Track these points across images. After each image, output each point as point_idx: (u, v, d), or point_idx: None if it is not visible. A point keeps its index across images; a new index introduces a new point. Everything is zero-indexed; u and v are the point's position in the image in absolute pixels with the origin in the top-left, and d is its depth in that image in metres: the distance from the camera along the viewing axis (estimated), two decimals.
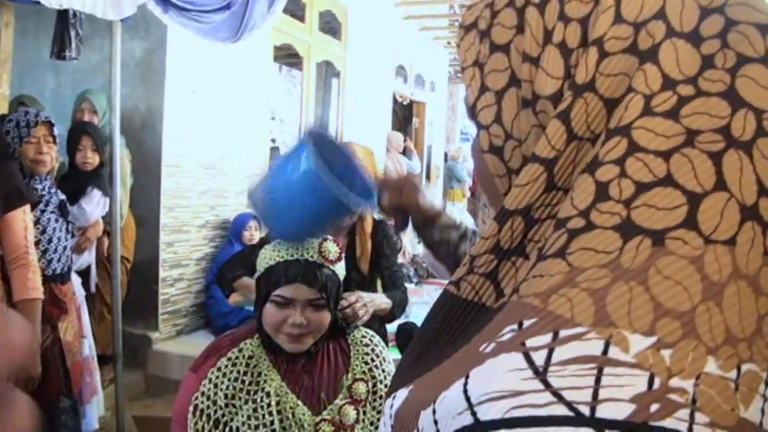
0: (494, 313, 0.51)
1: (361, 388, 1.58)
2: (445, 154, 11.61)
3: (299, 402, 1.48)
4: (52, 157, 2.86)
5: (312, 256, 1.50)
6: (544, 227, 0.52)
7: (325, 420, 1.48)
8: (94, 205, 3.66)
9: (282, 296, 1.48)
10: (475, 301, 0.56)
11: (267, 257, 1.53)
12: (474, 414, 0.45)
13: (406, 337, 4.12)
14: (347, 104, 7.36)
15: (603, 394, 0.41)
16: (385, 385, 1.62)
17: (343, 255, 1.60)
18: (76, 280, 3.23)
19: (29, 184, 2.75)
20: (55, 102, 4.65)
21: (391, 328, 4.76)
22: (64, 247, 2.93)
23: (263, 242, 2.46)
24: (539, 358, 0.44)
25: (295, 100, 9.57)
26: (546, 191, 0.52)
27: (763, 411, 0.43)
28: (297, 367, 1.55)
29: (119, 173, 3.61)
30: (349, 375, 1.60)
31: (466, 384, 0.46)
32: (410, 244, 7.53)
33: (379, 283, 2.54)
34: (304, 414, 1.46)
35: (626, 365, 0.42)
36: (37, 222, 2.77)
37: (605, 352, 0.43)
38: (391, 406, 0.54)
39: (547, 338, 0.45)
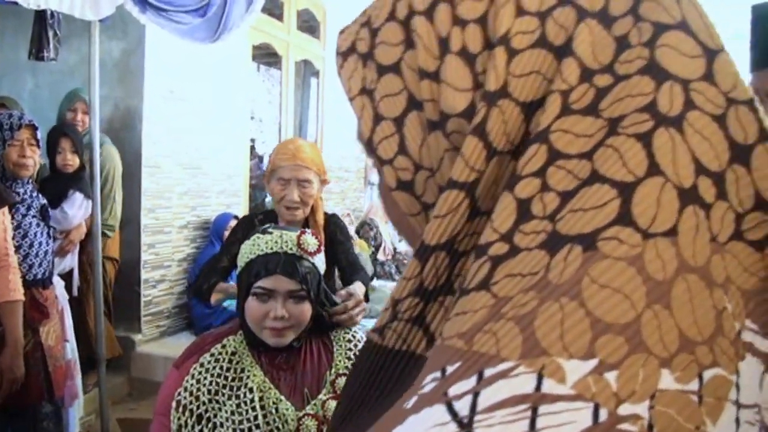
0: (425, 362, 0.44)
1: (344, 383, 1.59)
2: None
3: (282, 397, 1.49)
4: (35, 160, 2.85)
5: (291, 249, 1.52)
6: (471, 259, 0.45)
7: (308, 415, 1.49)
8: (76, 208, 3.64)
9: (263, 288, 1.49)
10: (402, 350, 0.49)
11: (247, 252, 1.55)
12: None
13: None
14: (326, 103, 7.37)
15: None
16: None
17: (323, 248, 1.61)
18: (58, 284, 3.21)
19: (11, 188, 2.74)
20: (34, 103, 4.63)
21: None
22: (46, 252, 2.92)
23: (230, 244, 2.48)
24: (463, 407, 0.37)
25: (274, 99, 9.54)
26: (469, 219, 0.46)
27: (738, 421, 0.37)
28: (280, 363, 1.56)
29: (99, 174, 3.59)
30: (332, 370, 1.61)
31: None
32: (390, 240, 7.55)
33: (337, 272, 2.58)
34: (287, 409, 1.48)
35: (564, 399, 0.36)
36: (18, 226, 2.75)
37: (538, 387, 0.36)
38: None
39: (471, 382, 0.38)
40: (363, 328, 2.14)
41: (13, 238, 2.62)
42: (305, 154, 2.39)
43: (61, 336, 3.04)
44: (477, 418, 0.36)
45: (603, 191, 0.40)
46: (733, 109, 0.42)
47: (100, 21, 3.37)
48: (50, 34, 3.85)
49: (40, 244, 2.87)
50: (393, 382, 0.49)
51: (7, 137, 2.74)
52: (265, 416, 1.46)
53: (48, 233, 2.96)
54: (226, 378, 1.50)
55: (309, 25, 7.15)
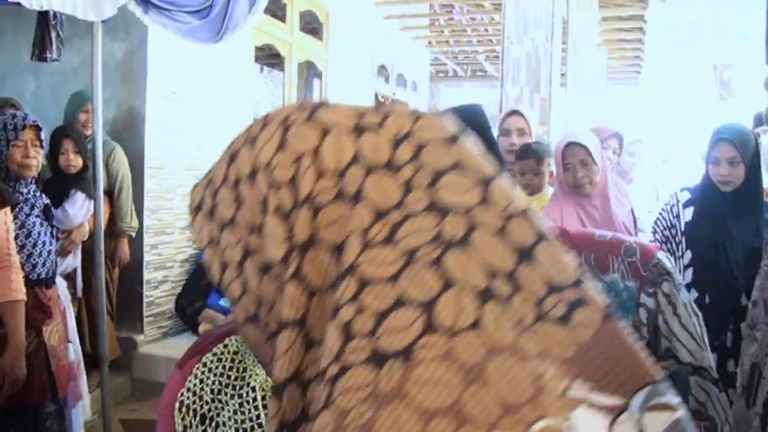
0: None
1: None
2: None
3: None
4: (39, 161, 2.85)
5: None
6: (317, 384, 0.53)
7: None
8: (77, 208, 3.64)
9: None
10: None
11: None
12: None
13: None
14: None
15: None
16: None
17: None
18: (61, 284, 3.22)
19: (14, 188, 2.74)
20: (36, 104, 4.63)
21: None
22: (49, 251, 2.92)
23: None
24: None
25: (277, 101, 9.54)
26: (307, 350, 0.54)
27: None
28: None
29: (101, 175, 3.59)
30: None
31: None
32: None
33: None
34: None
35: None
36: (22, 226, 2.75)
37: None
38: None
39: None
40: None
41: (16, 238, 2.62)
42: None
43: (64, 336, 3.04)
44: None
45: (410, 311, 0.49)
46: (512, 221, 0.53)
47: (103, 22, 3.37)
48: (53, 35, 3.85)
49: (44, 243, 2.87)
50: None
51: (11, 137, 2.74)
52: (267, 415, 1.46)
53: (51, 233, 2.96)
54: (228, 377, 1.49)
55: (312, 26, 7.16)
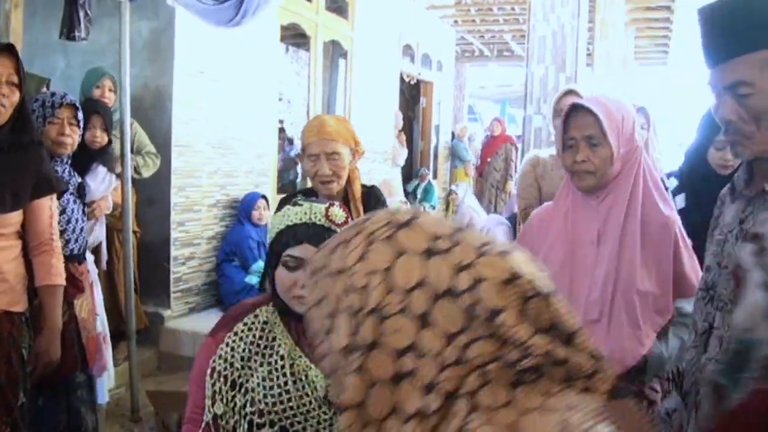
0: None
1: None
2: (453, 134, 11.59)
3: (311, 365, 1.53)
4: (74, 140, 2.88)
5: (319, 220, 1.54)
6: None
7: None
8: (99, 181, 3.66)
9: (291, 256, 1.52)
10: None
11: (277, 223, 1.58)
12: None
13: None
14: (354, 84, 7.36)
15: None
16: None
17: (350, 220, 1.63)
18: (89, 259, 3.28)
19: (53, 169, 2.78)
20: (65, 83, 4.68)
21: None
22: (81, 228, 2.97)
23: None
24: None
25: (302, 81, 9.55)
26: (363, 427, 0.70)
27: None
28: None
29: (129, 152, 3.64)
30: None
31: None
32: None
33: None
34: (316, 376, 1.51)
35: None
36: None
37: None
38: None
39: None
40: None
41: None
42: (330, 128, 2.41)
43: (93, 309, 3.10)
44: None
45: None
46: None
47: (131, 0, 3.41)
48: (81, 14, 3.88)
49: (77, 220, 2.93)
50: None
51: (47, 115, 2.79)
52: (294, 382, 1.49)
53: (83, 210, 3.01)
54: (258, 345, 1.53)
55: (337, 5, 7.14)
